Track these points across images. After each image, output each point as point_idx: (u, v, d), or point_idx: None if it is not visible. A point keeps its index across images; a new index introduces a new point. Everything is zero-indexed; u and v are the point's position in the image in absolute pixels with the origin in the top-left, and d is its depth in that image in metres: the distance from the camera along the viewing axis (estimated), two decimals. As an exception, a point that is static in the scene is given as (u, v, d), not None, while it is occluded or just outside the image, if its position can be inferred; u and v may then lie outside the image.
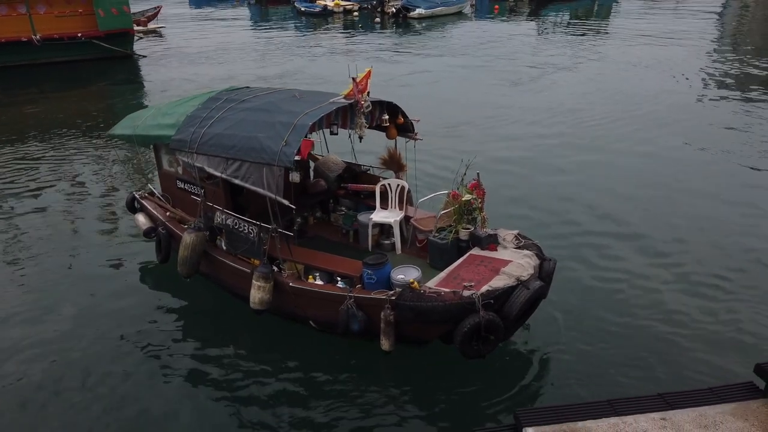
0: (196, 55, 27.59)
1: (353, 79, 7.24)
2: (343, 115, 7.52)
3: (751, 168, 12.53)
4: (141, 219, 8.88)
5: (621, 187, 11.67)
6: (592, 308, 7.86)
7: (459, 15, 42.16)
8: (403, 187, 8.28)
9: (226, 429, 6.13)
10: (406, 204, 8.37)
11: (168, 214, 8.56)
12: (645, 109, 17.03)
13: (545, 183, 11.93)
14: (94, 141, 15.47)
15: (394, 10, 40.79)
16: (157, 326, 7.76)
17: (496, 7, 45.01)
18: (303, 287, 6.84)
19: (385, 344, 6.32)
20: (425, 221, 7.78)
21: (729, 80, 20.79)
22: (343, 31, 36.38)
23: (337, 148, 9.03)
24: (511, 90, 20.13)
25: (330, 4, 43.23)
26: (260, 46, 30.44)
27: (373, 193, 8.38)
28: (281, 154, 6.59)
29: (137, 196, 9.09)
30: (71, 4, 25.17)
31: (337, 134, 7.81)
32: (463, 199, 7.10)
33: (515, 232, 7.18)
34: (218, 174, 7.22)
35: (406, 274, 6.65)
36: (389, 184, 8.29)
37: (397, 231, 7.96)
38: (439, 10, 40.84)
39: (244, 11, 48.03)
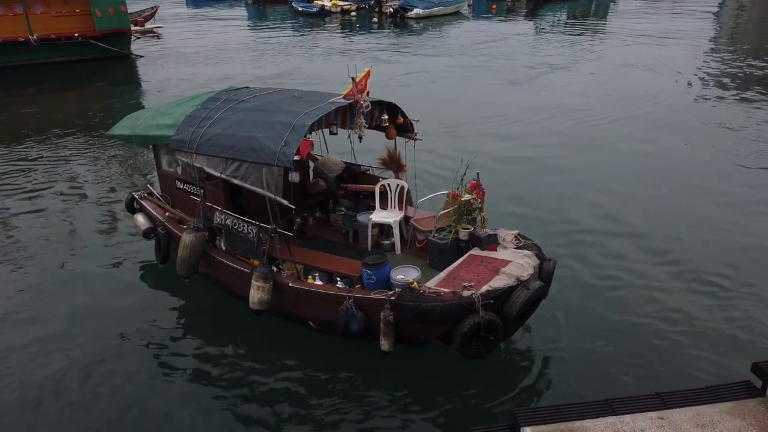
0: (193, 55, 27.56)
1: (353, 79, 7.23)
2: (343, 115, 7.53)
3: (749, 167, 12.57)
4: (140, 219, 8.88)
5: (620, 186, 11.71)
6: (589, 307, 7.89)
7: (456, 15, 42.20)
8: (402, 188, 8.28)
9: (225, 429, 6.14)
10: (406, 204, 8.37)
11: (167, 214, 8.55)
12: (644, 109, 17.08)
13: (544, 183, 11.95)
14: (92, 141, 15.45)
15: (392, 10, 40.81)
16: (156, 326, 7.76)
17: (494, 6, 45.07)
18: (302, 287, 6.84)
19: (384, 344, 6.32)
20: (425, 221, 7.78)
21: (727, 80, 20.85)
22: (340, 31, 36.38)
23: (336, 149, 9.04)
24: (509, 90, 20.16)
25: (327, 4, 43.22)
26: (257, 46, 30.42)
27: (373, 193, 8.38)
28: (280, 154, 6.60)
29: (136, 197, 9.09)
30: (68, 4, 25.12)
31: (336, 134, 7.82)
32: (463, 199, 7.10)
33: (515, 232, 7.19)
34: (217, 174, 7.21)
35: (405, 274, 6.66)
36: (389, 185, 8.30)
37: (396, 231, 7.97)
38: (436, 10, 40.88)
39: (242, 11, 48.00)
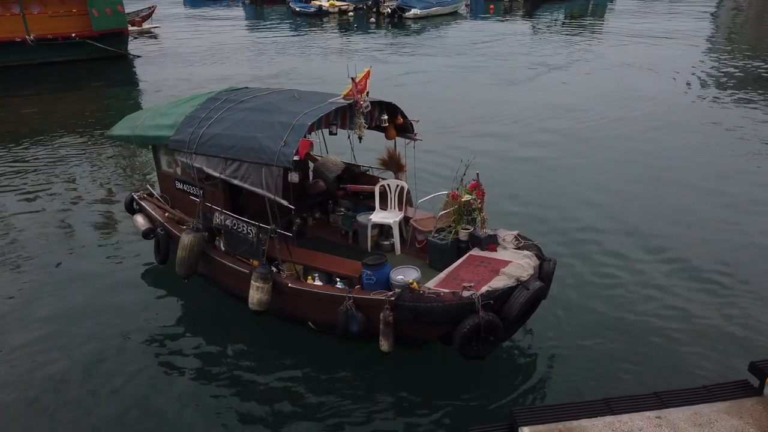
0: (190, 55, 27.52)
1: (352, 79, 7.23)
2: (342, 116, 7.53)
3: (747, 167, 12.61)
4: (140, 220, 8.86)
5: (619, 186, 11.75)
6: (588, 307, 7.92)
7: (454, 15, 42.22)
8: (402, 188, 8.29)
9: (225, 429, 6.15)
10: (406, 204, 8.38)
11: (167, 214, 8.55)
12: (642, 109, 17.13)
13: (544, 182, 11.98)
14: (90, 141, 15.42)
15: (390, 10, 40.79)
16: (155, 326, 7.76)
17: (491, 6, 45.09)
18: (302, 288, 6.85)
19: (384, 345, 6.32)
20: (425, 222, 7.80)
21: (724, 80, 20.92)
22: (338, 31, 36.38)
23: (336, 149, 9.04)
24: (507, 90, 20.19)
25: (325, 4, 43.21)
26: (255, 46, 30.39)
27: (373, 193, 8.39)
28: (280, 155, 6.60)
29: (136, 197, 9.08)
30: (65, 4, 25.06)
31: (336, 134, 7.82)
32: (463, 199, 7.11)
33: (515, 232, 7.19)
34: (217, 174, 7.21)
35: (405, 274, 6.67)
36: (388, 185, 8.31)
37: (396, 231, 7.98)
38: (434, 10, 40.89)
39: (239, 11, 47.94)
